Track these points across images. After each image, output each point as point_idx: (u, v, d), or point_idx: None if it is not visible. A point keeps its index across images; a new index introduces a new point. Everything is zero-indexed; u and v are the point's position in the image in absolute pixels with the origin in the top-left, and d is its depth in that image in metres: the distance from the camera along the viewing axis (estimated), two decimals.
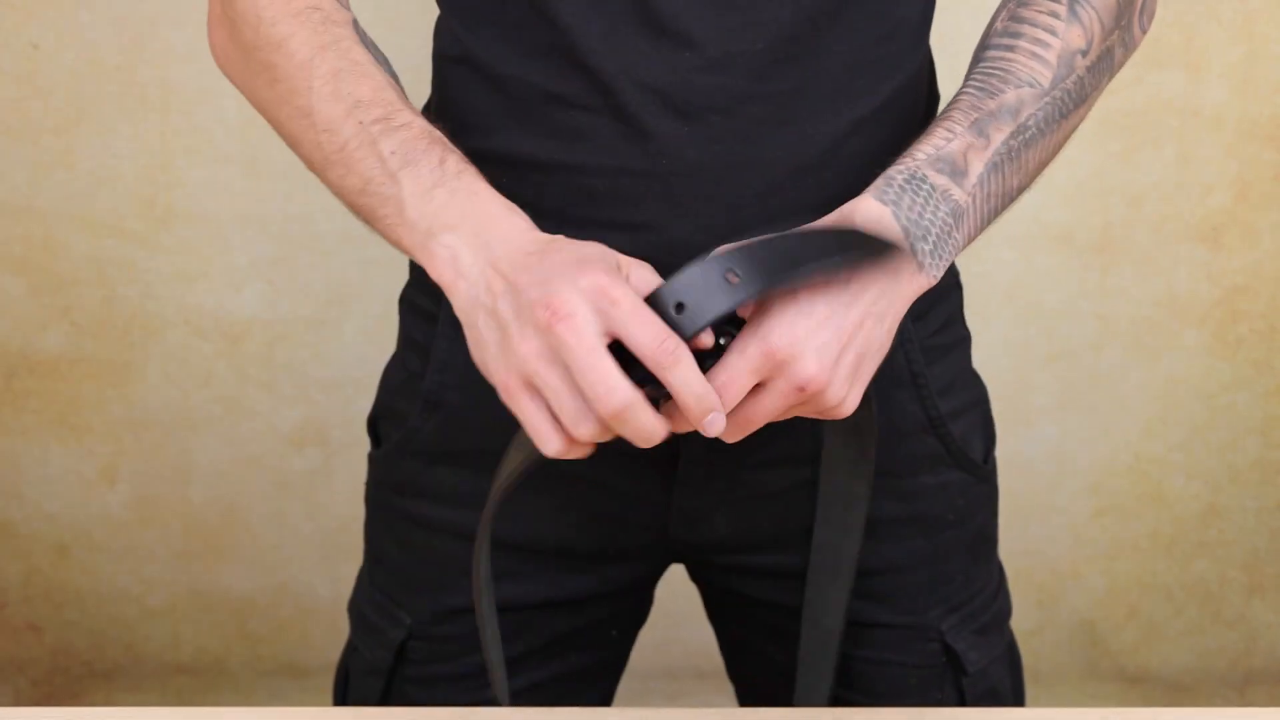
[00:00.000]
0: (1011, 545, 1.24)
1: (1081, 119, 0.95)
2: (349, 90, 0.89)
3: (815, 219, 0.91)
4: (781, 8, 0.90)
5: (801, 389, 0.80)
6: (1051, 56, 0.91)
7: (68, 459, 1.73)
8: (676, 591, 1.14)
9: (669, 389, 0.77)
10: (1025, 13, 0.92)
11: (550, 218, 0.93)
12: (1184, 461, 1.78)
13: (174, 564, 1.78)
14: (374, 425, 1.09)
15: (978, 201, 0.87)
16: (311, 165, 0.92)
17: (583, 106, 0.91)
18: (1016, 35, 0.91)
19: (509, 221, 0.83)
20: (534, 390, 0.77)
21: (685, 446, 0.98)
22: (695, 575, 1.11)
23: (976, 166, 0.87)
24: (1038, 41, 0.91)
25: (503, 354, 0.78)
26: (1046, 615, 1.83)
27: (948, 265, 0.86)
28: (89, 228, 1.64)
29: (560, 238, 0.82)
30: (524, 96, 0.93)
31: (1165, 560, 1.82)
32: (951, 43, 1.14)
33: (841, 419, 0.85)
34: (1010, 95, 0.89)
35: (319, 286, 1.69)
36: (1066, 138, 0.94)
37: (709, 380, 0.78)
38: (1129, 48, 0.98)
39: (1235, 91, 1.66)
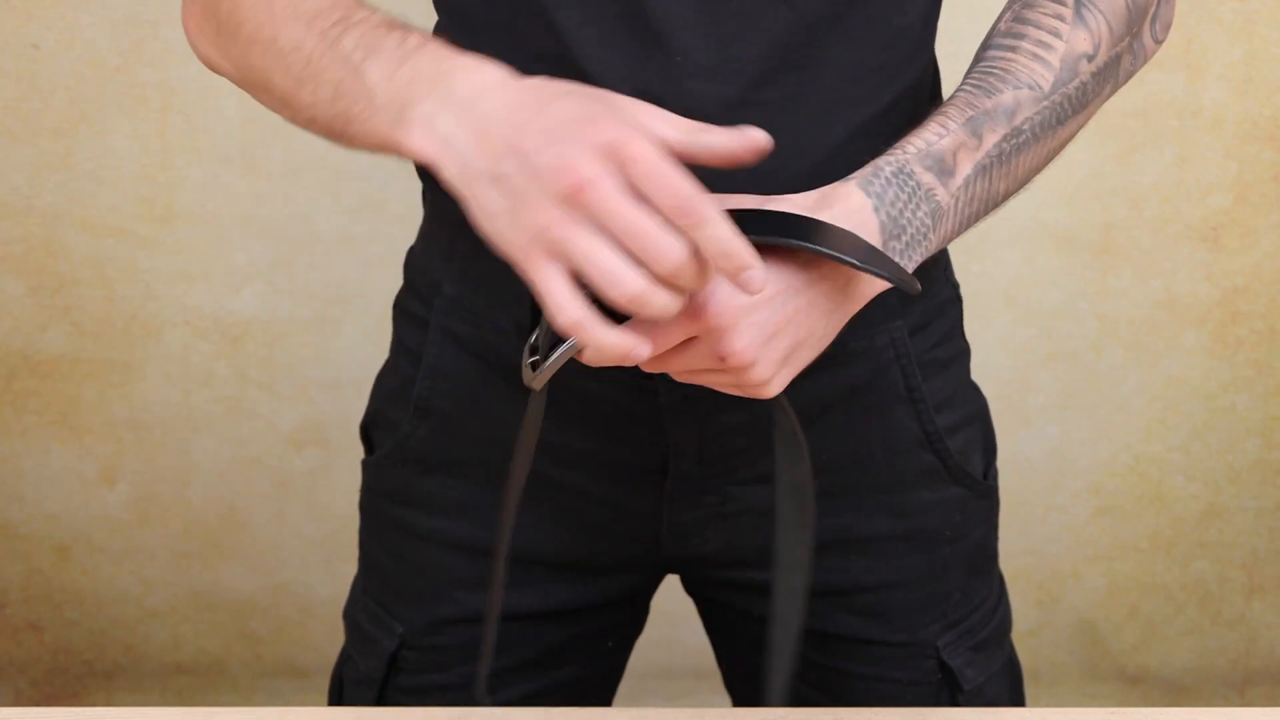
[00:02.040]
0: (1011, 545, 1.23)
1: (1079, 127, 0.94)
2: (306, 6, 0.85)
3: None
4: (777, 16, 0.89)
5: (723, 359, 0.78)
6: (1054, 59, 0.89)
7: (68, 459, 1.73)
8: (675, 591, 1.14)
9: (700, 247, 0.70)
10: (1030, 14, 0.91)
11: None
12: (1184, 462, 1.78)
13: (174, 564, 1.78)
14: (366, 432, 1.08)
15: (960, 204, 0.86)
16: (290, 100, 0.86)
17: None
18: (1019, 36, 0.90)
19: (484, 75, 0.76)
20: (558, 256, 0.71)
21: (674, 462, 0.97)
22: (690, 588, 1.11)
23: (965, 167, 0.86)
24: (1041, 44, 0.90)
25: (518, 223, 0.72)
26: (1046, 615, 1.83)
27: (915, 266, 0.84)
28: (89, 228, 1.64)
29: (544, 83, 0.75)
30: None
31: (1165, 560, 1.82)
32: (951, 43, 1.13)
33: (782, 479, 0.84)
34: (1008, 96, 0.88)
35: (319, 287, 1.69)
36: (1062, 145, 0.93)
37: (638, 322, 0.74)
38: (1139, 58, 0.97)
39: (1235, 92, 1.66)
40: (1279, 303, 1.71)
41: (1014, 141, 0.88)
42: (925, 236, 0.84)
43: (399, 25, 0.81)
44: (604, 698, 1.13)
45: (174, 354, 1.70)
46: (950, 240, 0.87)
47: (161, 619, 1.81)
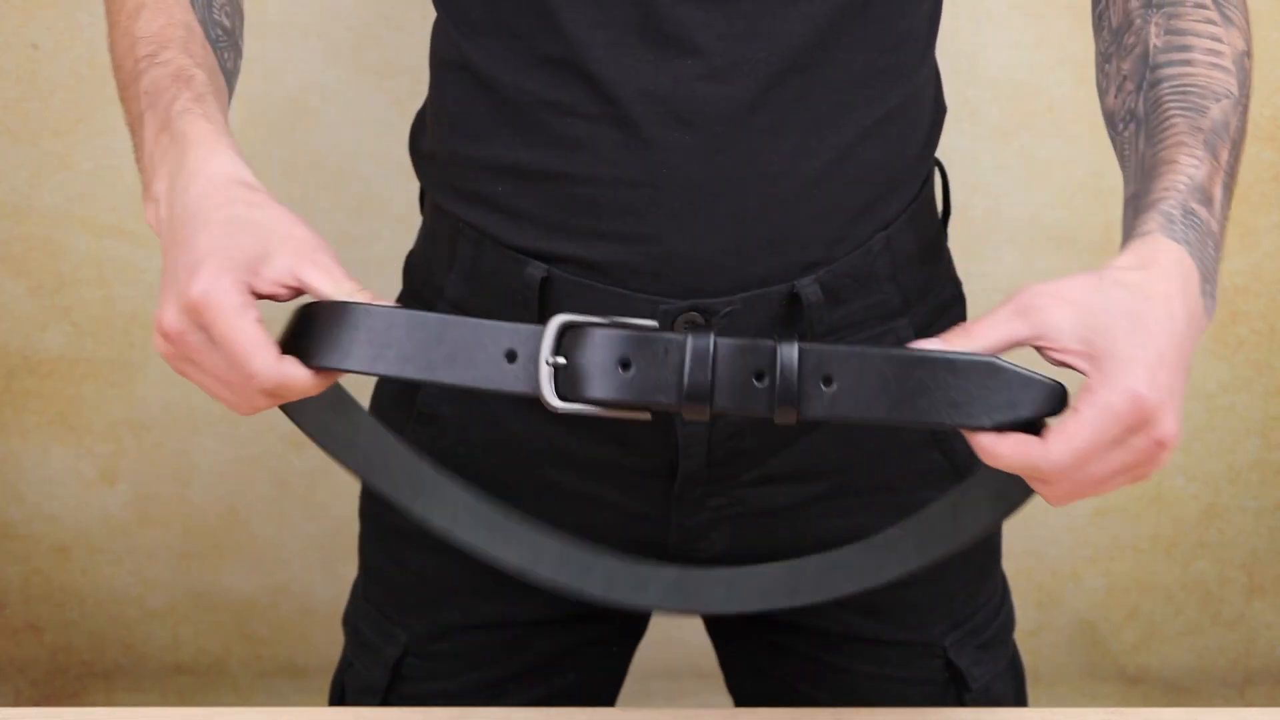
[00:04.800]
0: (1011, 545, 1.23)
1: None
2: (140, 26, 0.86)
3: (819, 229, 0.90)
4: (787, 18, 0.89)
5: (1161, 444, 0.75)
6: (1229, 63, 0.87)
7: (68, 459, 1.73)
8: None
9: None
10: (1181, 24, 0.88)
11: (551, 229, 0.92)
12: (1184, 462, 1.77)
13: (174, 564, 1.78)
14: None
15: (1221, 230, 0.83)
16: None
17: (584, 115, 0.90)
18: (1187, 49, 0.87)
19: (203, 164, 0.80)
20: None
21: (683, 465, 0.97)
22: None
23: (1217, 192, 0.83)
24: (1212, 51, 0.87)
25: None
26: (1046, 615, 1.83)
27: (1215, 307, 0.81)
28: (89, 228, 1.64)
29: (226, 189, 0.79)
30: (524, 105, 0.92)
31: (1165, 560, 1.82)
32: (952, 44, 1.13)
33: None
34: (1216, 110, 0.85)
35: None
36: None
37: (1049, 447, 0.73)
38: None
39: None
40: (1279, 303, 1.71)
41: (1235, 154, 0.85)
42: (1215, 273, 0.81)
43: (184, 78, 0.83)
44: (607, 701, 1.14)
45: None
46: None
47: (161, 619, 1.81)
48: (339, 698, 1.11)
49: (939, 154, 1.04)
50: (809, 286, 0.93)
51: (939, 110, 1.02)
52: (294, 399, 0.80)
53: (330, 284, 0.79)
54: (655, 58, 0.88)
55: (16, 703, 1.82)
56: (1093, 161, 1.64)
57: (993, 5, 1.56)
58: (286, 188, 1.66)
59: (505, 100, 0.93)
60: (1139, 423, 0.74)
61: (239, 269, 0.77)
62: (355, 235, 1.63)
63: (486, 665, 1.05)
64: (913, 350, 0.77)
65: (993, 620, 1.07)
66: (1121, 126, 0.88)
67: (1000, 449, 0.75)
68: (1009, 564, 1.15)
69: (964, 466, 1.03)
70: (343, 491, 1.75)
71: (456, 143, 0.97)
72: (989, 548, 1.08)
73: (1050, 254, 1.68)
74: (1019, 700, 1.11)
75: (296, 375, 0.78)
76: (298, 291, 0.80)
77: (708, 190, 0.90)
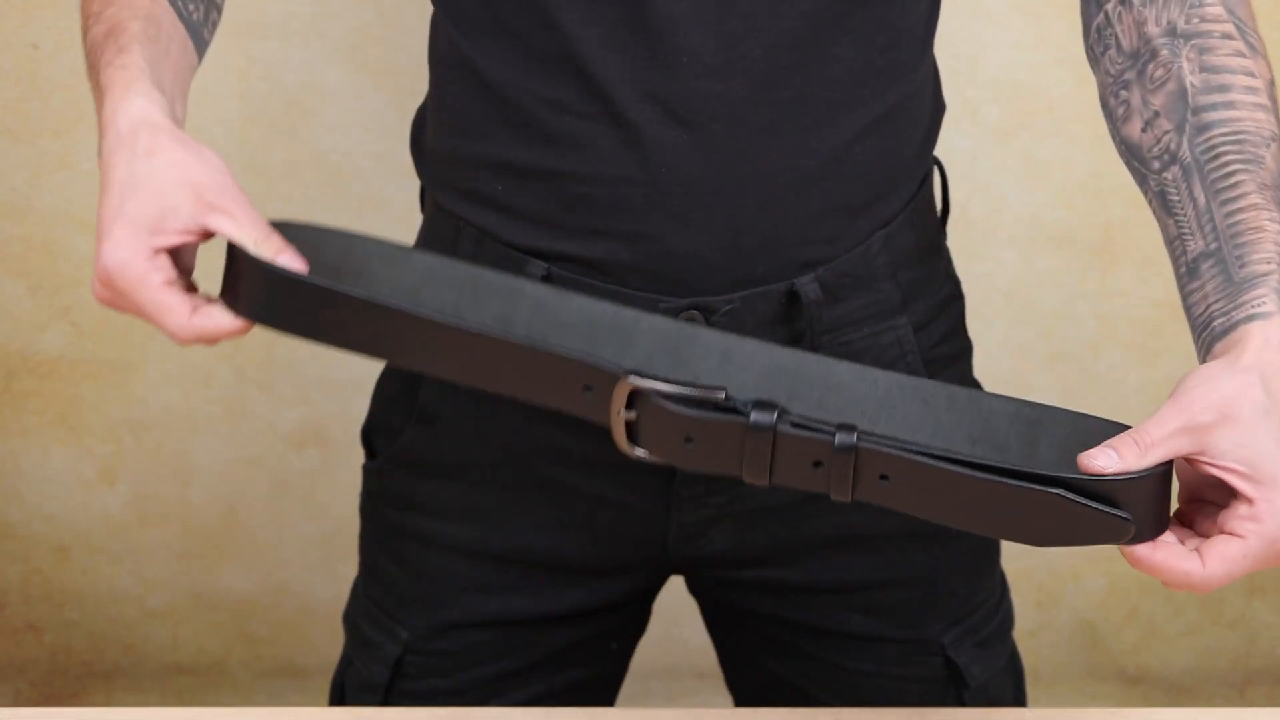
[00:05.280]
0: (1012, 546, 1.23)
1: None
2: None
3: (818, 228, 0.90)
4: (782, 15, 0.89)
5: None
6: (1266, 99, 0.87)
7: (68, 459, 1.73)
8: (678, 590, 1.14)
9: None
10: (1215, 59, 0.87)
11: (550, 227, 0.92)
12: None
13: (174, 564, 1.78)
14: (367, 437, 1.08)
15: None
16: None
17: (581, 114, 0.90)
18: (1226, 89, 0.87)
19: (112, 121, 0.86)
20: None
21: None
22: (694, 588, 1.11)
23: None
24: (1250, 89, 0.87)
25: None
26: (1046, 615, 1.83)
27: None
28: (89, 228, 1.64)
29: (142, 143, 0.84)
30: (521, 103, 0.92)
31: None
32: (951, 44, 1.14)
33: None
34: (1269, 157, 0.85)
35: None
36: None
37: (1207, 569, 0.77)
38: None
39: None
40: None
41: None
42: None
43: (115, 31, 0.87)
44: (607, 699, 1.14)
45: (174, 354, 1.70)
46: None
47: (161, 619, 1.81)
48: (339, 695, 1.11)
49: (938, 153, 1.04)
50: (808, 285, 0.93)
51: (938, 109, 1.02)
52: (221, 339, 0.84)
53: (235, 230, 0.82)
54: (649, 56, 0.88)
55: (16, 703, 1.82)
56: (1093, 161, 1.64)
57: (993, 5, 1.56)
58: (286, 188, 1.66)
59: (503, 98, 0.93)
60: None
61: (140, 233, 0.82)
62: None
63: (486, 663, 1.05)
64: (973, 469, 0.77)
65: (991, 618, 1.07)
66: (1159, 166, 0.88)
67: (1155, 560, 0.79)
68: (1009, 564, 1.15)
69: None
70: (343, 492, 1.75)
71: (456, 141, 0.97)
72: (988, 545, 1.08)
73: (1050, 254, 1.68)
74: (1018, 698, 1.11)
75: (218, 325, 0.83)
76: (208, 235, 0.83)
77: (706, 189, 0.90)
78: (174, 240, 0.82)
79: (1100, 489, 0.76)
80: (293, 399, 1.71)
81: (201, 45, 0.93)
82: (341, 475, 1.73)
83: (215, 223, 0.82)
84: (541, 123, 0.92)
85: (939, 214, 1.05)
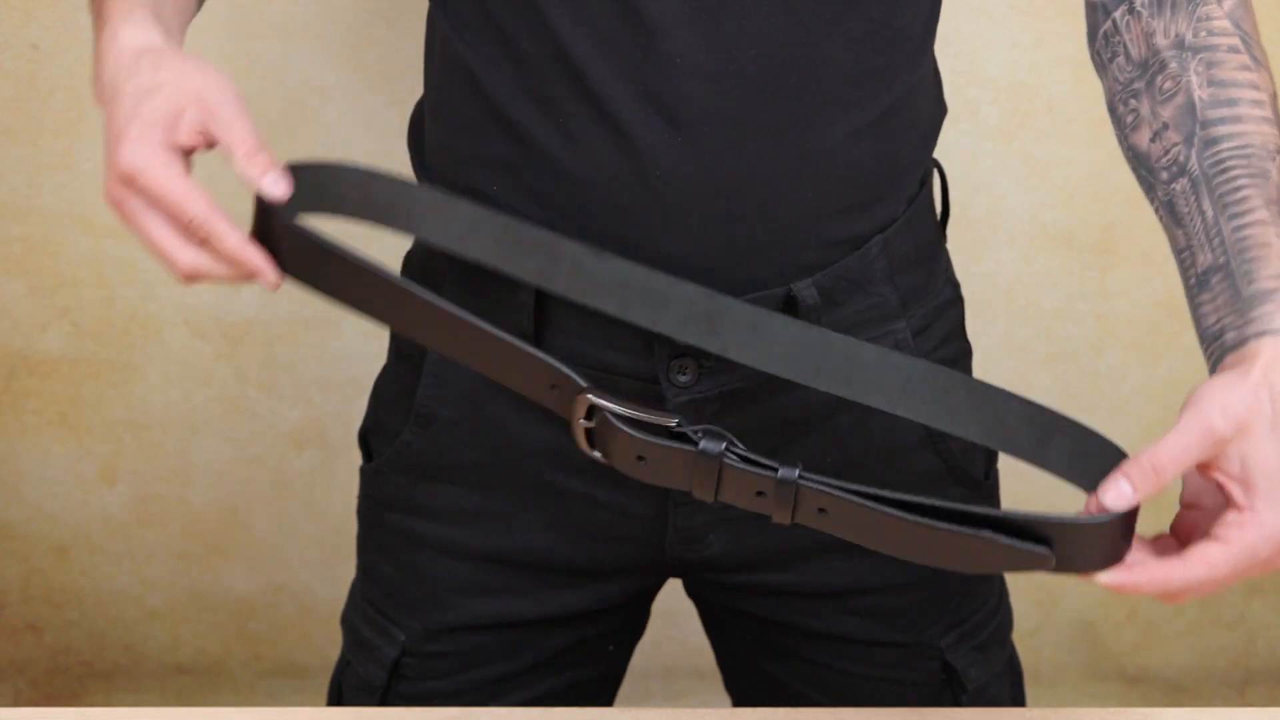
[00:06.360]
0: None
1: None
2: None
3: (814, 231, 0.90)
4: (775, 16, 0.88)
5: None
6: (1270, 113, 0.88)
7: (68, 459, 1.73)
8: (676, 591, 1.14)
9: (220, 253, 0.84)
10: (1222, 74, 0.88)
11: (545, 227, 0.92)
12: None
13: (174, 564, 1.78)
14: (365, 439, 1.08)
15: None
16: None
17: (572, 114, 0.90)
18: (1234, 103, 0.87)
19: (112, 47, 0.88)
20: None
21: None
22: (692, 591, 1.11)
23: None
24: (1256, 103, 0.87)
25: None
26: (1046, 615, 1.83)
27: None
28: (89, 228, 1.64)
29: (145, 62, 0.86)
30: (515, 104, 0.92)
31: None
32: (951, 45, 1.13)
33: None
34: (1275, 170, 0.86)
35: None
36: None
37: (1189, 567, 0.78)
38: None
39: None
40: None
41: None
42: None
43: None
44: (605, 700, 1.14)
45: (174, 354, 1.70)
46: None
47: (161, 619, 1.81)
48: (336, 696, 1.11)
49: (938, 154, 1.03)
50: (805, 289, 0.93)
51: (938, 111, 1.01)
52: (230, 244, 0.85)
53: (232, 136, 0.87)
54: (642, 57, 0.88)
55: (16, 703, 1.82)
56: (1092, 161, 1.64)
57: (993, 5, 1.56)
58: None
59: (496, 97, 0.92)
60: (1277, 557, 0.79)
61: (156, 130, 0.84)
62: (355, 235, 1.63)
63: (484, 665, 1.05)
64: (904, 510, 0.80)
65: (990, 621, 1.07)
66: (1168, 177, 0.88)
67: (1135, 579, 0.80)
68: None
69: (959, 470, 1.03)
70: (343, 492, 1.75)
71: (452, 140, 0.97)
72: None
73: (1050, 254, 1.68)
74: (1016, 701, 1.11)
75: (226, 225, 0.85)
76: (213, 143, 0.87)
77: (699, 191, 0.89)
78: (188, 139, 0.85)
79: (1031, 525, 0.80)
80: (293, 399, 1.71)
81: None
82: (341, 475, 1.73)
83: (216, 130, 0.86)
84: (534, 122, 0.91)
85: (938, 217, 1.04)
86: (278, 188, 0.86)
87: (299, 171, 0.89)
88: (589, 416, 0.85)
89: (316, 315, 1.69)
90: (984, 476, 1.06)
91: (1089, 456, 0.85)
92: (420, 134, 1.02)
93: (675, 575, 1.07)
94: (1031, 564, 0.80)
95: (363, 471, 1.09)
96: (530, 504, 1.00)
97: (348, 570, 1.16)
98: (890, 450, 1.00)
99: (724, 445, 0.82)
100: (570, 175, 0.91)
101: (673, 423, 0.84)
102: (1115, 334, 1.72)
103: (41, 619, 1.81)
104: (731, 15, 0.87)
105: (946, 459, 1.02)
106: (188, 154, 0.86)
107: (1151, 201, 0.90)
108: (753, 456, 0.83)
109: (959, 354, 1.05)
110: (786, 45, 0.89)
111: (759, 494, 0.83)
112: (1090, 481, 0.84)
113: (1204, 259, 0.86)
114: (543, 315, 0.94)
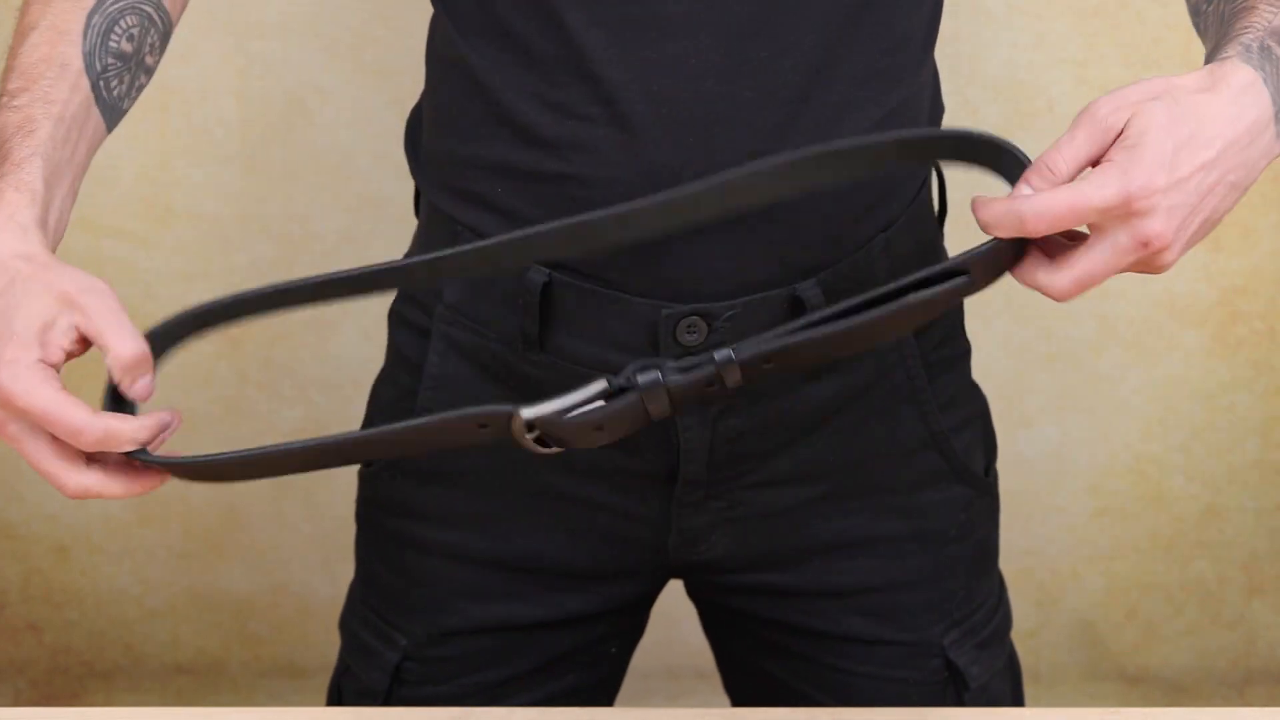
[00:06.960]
0: (1011, 545, 1.23)
1: None
2: (20, 54, 0.88)
3: (819, 232, 0.90)
4: (787, 17, 0.88)
5: (1146, 244, 0.77)
6: None
7: None
8: (677, 592, 1.14)
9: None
10: None
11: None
12: (1184, 462, 1.77)
13: (174, 564, 1.78)
14: None
15: None
16: None
17: (583, 116, 0.90)
18: None
19: (2, 242, 0.84)
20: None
21: (684, 468, 0.97)
22: (693, 593, 1.11)
23: None
24: None
25: None
26: (1046, 615, 1.83)
27: None
28: (89, 228, 1.64)
29: (17, 268, 0.83)
30: (520, 104, 0.92)
31: (1165, 560, 1.82)
32: (951, 46, 1.13)
33: None
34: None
35: None
36: None
37: (1051, 195, 0.77)
38: None
39: None
40: (1279, 303, 1.71)
41: None
42: None
43: (25, 130, 0.86)
44: (605, 701, 1.14)
45: (174, 354, 1.70)
46: None
47: (161, 619, 1.81)
48: (336, 701, 1.11)
49: None
50: (810, 290, 0.93)
51: (937, 111, 1.02)
52: (126, 448, 0.87)
53: (106, 342, 0.87)
54: (655, 58, 0.88)
55: (16, 703, 1.82)
56: None
57: (993, 5, 1.56)
58: (287, 188, 1.66)
59: (502, 100, 0.92)
60: (1123, 215, 0.76)
61: (27, 347, 0.82)
62: (355, 235, 1.63)
63: (486, 669, 1.05)
64: (831, 321, 0.82)
65: (991, 619, 1.08)
66: (1206, 6, 0.89)
67: (992, 209, 0.80)
68: (1008, 564, 1.15)
69: (962, 468, 1.03)
70: (343, 491, 1.75)
71: (453, 142, 0.97)
72: (987, 548, 1.08)
73: None
74: (1016, 698, 1.11)
75: (121, 426, 0.86)
76: (89, 344, 0.86)
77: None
78: (59, 352, 0.85)
79: (947, 270, 0.82)
80: (293, 399, 1.71)
81: (119, 115, 0.94)
82: (341, 475, 1.72)
83: (93, 333, 0.86)
84: (542, 125, 0.91)
85: (936, 215, 1.05)
86: (143, 393, 0.90)
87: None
88: (531, 428, 0.85)
89: (316, 316, 1.69)
90: (984, 473, 1.06)
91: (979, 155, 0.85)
92: (417, 136, 1.02)
93: (677, 576, 1.07)
94: (962, 294, 0.83)
95: (361, 475, 1.09)
96: (531, 507, 1.00)
97: (347, 570, 1.16)
98: (893, 449, 1.00)
99: (657, 373, 0.84)
100: (577, 176, 0.91)
101: (604, 385, 0.85)
102: (1115, 334, 1.72)
103: (41, 619, 1.81)
104: (747, 17, 0.88)
105: (949, 457, 1.02)
106: (69, 359, 0.85)
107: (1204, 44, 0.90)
108: (686, 362, 0.84)
109: (958, 353, 1.05)
110: (800, 46, 0.89)
111: (709, 385, 0.84)
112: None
113: (1208, 45, 0.86)
114: (545, 316, 0.94)
